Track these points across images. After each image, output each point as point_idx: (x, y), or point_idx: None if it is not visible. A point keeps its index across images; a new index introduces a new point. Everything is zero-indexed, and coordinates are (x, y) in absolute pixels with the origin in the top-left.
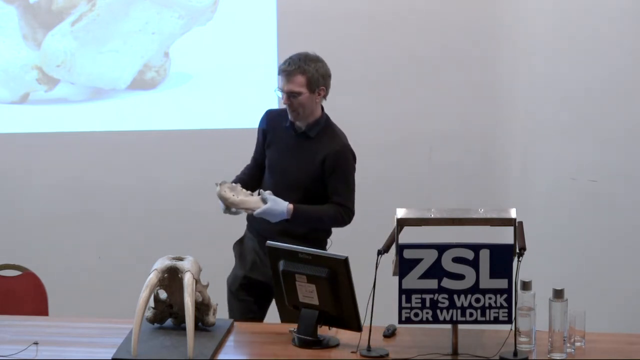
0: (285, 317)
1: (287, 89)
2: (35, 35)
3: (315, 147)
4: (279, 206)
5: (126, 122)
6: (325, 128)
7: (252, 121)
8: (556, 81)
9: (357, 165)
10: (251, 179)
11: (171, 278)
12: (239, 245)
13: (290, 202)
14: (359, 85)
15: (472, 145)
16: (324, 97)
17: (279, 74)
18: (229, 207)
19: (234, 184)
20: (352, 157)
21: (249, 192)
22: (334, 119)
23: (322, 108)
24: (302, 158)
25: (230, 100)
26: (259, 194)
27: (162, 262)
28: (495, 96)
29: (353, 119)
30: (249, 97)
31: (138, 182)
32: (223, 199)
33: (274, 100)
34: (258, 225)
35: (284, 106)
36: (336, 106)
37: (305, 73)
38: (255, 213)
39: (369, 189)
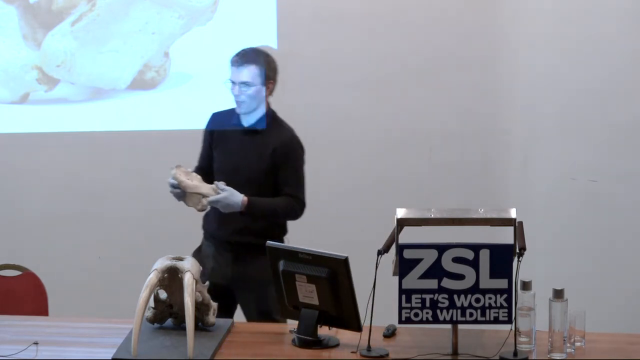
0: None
1: (239, 80)
2: (35, 35)
3: (264, 140)
4: (234, 197)
5: (126, 122)
6: (273, 121)
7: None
8: (556, 81)
9: (358, 165)
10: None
11: (171, 278)
12: (197, 254)
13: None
14: (358, 85)
15: (472, 145)
16: (272, 92)
17: (231, 65)
18: (182, 195)
19: (189, 170)
20: (301, 149)
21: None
22: (334, 118)
23: (269, 103)
24: (253, 153)
25: (230, 100)
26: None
27: (162, 262)
28: (495, 96)
29: (353, 119)
30: None
31: (138, 182)
32: (178, 181)
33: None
34: (213, 231)
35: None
36: (336, 105)
37: (257, 65)
38: (209, 200)
39: (369, 189)
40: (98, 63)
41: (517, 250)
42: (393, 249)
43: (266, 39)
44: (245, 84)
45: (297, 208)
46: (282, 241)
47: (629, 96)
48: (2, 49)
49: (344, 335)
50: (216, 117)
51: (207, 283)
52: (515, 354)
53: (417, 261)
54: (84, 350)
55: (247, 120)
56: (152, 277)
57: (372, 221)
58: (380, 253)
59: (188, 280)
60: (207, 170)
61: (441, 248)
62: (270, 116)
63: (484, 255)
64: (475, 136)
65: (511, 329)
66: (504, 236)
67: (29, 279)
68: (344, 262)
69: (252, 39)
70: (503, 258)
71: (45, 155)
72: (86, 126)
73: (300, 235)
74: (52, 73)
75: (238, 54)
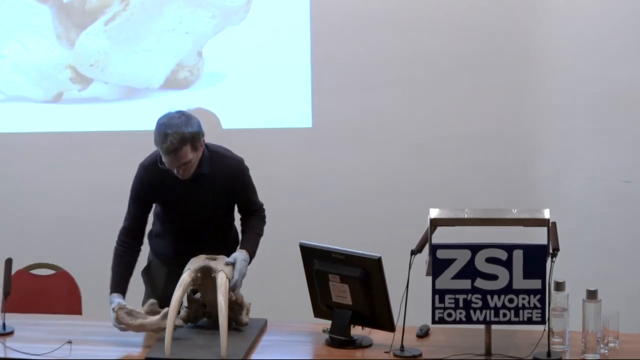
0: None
1: (178, 164)
2: (69, 34)
3: (213, 179)
4: (244, 263)
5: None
6: (211, 157)
7: (285, 121)
8: (589, 81)
9: (392, 165)
10: (131, 266)
11: (204, 277)
12: (147, 272)
13: (200, 238)
14: (392, 86)
15: (506, 145)
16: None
17: (163, 153)
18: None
19: (130, 308)
20: (244, 163)
21: (143, 311)
22: (367, 119)
23: None
24: (206, 194)
25: (263, 99)
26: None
27: (196, 262)
28: (529, 97)
29: (386, 120)
30: (282, 96)
31: None
32: (124, 324)
33: (307, 101)
34: (168, 257)
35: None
36: (370, 107)
37: (188, 141)
38: (233, 287)
39: (402, 189)
40: (131, 62)
41: (551, 251)
42: (426, 249)
43: (299, 38)
44: (185, 164)
45: (264, 218)
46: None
47: None
48: (36, 48)
49: (377, 335)
50: (148, 171)
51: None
52: (548, 354)
53: (450, 261)
54: (117, 349)
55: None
56: (186, 277)
57: (406, 221)
58: (413, 253)
59: (221, 279)
60: (140, 231)
61: (474, 248)
62: (208, 155)
63: (518, 255)
64: (508, 137)
65: (544, 330)
66: (537, 237)
67: (62, 278)
68: (377, 262)
69: (285, 39)
70: (536, 258)
71: (79, 154)
72: (119, 125)
73: (333, 235)
74: (86, 72)
75: (164, 142)
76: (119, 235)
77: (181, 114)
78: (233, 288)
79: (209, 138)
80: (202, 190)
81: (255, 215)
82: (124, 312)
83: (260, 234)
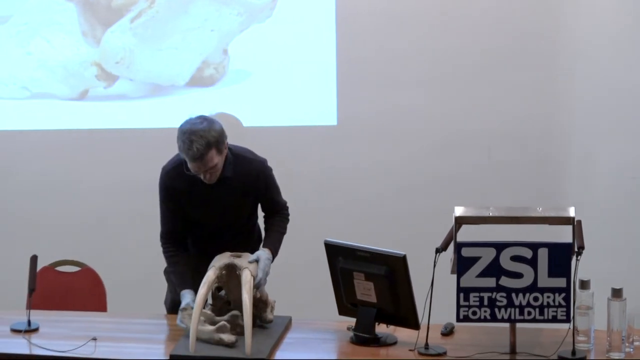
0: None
1: (204, 169)
2: (95, 32)
3: (237, 182)
4: (266, 261)
5: (184, 119)
6: (235, 160)
7: (311, 118)
8: (615, 79)
9: (417, 163)
10: (187, 262)
11: (229, 275)
12: (168, 272)
13: (223, 240)
14: (417, 84)
15: (531, 143)
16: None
17: (189, 159)
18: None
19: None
20: (267, 164)
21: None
22: (392, 116)
23: None
24: (230, 197)
25: (289, 97)
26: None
27: (220, 259)
28: (555, 95)
29: (411, 117)
30: (307, 94)
31: None
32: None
33: (332, 98)
34: (198, 253)
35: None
36: (395, 104)
37: (213, 146)
38: (257, 285)
39: (427, 187)
40: (157, 60)
41: (576, 249)
42: (451, 247)
43: (325, 36)
44: (211, 168)
45: (287, 216)
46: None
47: None
48: (62, 45)
49: (402, 333)
50: (172, 175)
51: (265, 280)
52: (573, 353)
53: (475, 259)
54: (141, 346)
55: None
56: (210, 274)
57: (430, 219)
58: (438, 251)
59: (246, 277)
60: (179, 234)
61: (499, 246)
62: (231, 158)
63: (543, 253)
64: (534, 134)
65: (569, 328)
66: (563, 235)
67: (87, 275)
68: (402, 260)
69: (311, 36)
70: (562, 257)
71: (104, 151)
72: (144, 123)
73: (358, 232)
74: (111, 69)
75: (189, 148)
76: (160, 240)
77: (203, 119)
78: (257, 286)
79: (232, 139)
80: (225, 193)
81: (279, 214)
82: (186, 314)
83: (283, 232)
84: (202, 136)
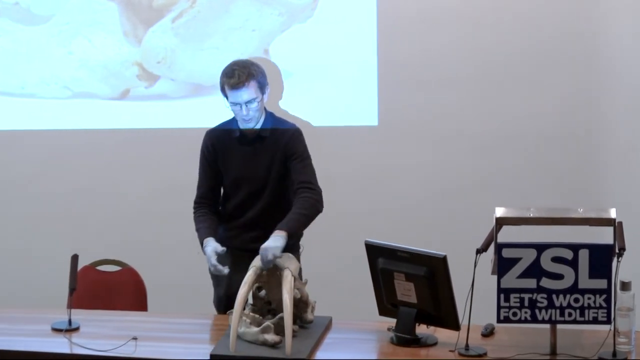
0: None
1: (245, 99)
2: (136, 31)
3: (273, 142)
4: (275, 244)
5: (226, 119)
6: (274, 121)
7: (351, 119)
8: None
9: (457, 164)
10: (215, 220)
11: (270, 275)
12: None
13: (256, 207)
14: (458, 84)
15: (572, 144)
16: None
17: (230, 88)
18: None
19: (247, 313)
20: (300, 131)
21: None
22: (432, 117)
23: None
24: (266, 159)
25: (329, 97)
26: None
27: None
28: (596, 95)
29: (452, 118)
30: (348, 94)
31: None
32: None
33: (373, 98)
34: (230, 241)
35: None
36: (436, 105)
37: (255, 78)
38: (265, 266)
39: (468, 188)
40: (198, 60)
41: (617, 251)
42: (492, 248)
43: (366, 36)
44: (251, 101)
45: (315, 200)
46: (298, 242)
47: None
48: (103, 45)
49: (442, 334)
50: (213, 136)
51: (306, 280)
52: (614, 354)
53: (516, 260)
54: (182, 346)
55: (252, 131)
56: (251, 274)
57: (471, 220)
58: (479, 252)
59: (287, 277)
60: (213, 198)
61: (540, 247)
62: (270, 118)
63: (584, 255)
64: (574, 135)
65: (610, 330)
66: (603, 236)
67: (128, 275)
68: (443, 261)
69: (352, 37)
70: (602, 258)
71: (145, 151)
72: (185, 122)
73: (399, 233)
74: (153, 69)
75: (232, 77)
76: (194, 205)
77: (251, 60)
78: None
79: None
80: (261, 151)
81: (304, 192)
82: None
83: (302, 212)
84: (244, 66)
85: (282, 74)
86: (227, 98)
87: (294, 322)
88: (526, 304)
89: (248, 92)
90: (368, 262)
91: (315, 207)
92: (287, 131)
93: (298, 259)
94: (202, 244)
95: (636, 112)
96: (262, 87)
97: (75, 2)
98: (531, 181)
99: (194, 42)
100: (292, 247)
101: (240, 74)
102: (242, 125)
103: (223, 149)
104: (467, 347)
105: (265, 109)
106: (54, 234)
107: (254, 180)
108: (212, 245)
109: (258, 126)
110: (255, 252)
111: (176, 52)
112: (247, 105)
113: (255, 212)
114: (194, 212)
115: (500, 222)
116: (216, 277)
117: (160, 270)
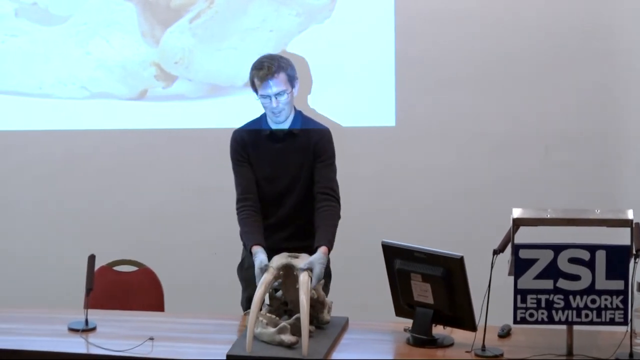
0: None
1: (274, 91)
2: (154, 32)
3: (304, 141)
4: (321, 266)
5: (243, 119)
6: (304, 120)
7: (369, 119)
8: None
9: (474, 164)
10: (260, 221)
11: (286, 275)
12: (241, 269)
13: (286, 206)
14: (475, 84)
15: (589, 144)
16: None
17: (258, 80)
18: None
19: (264, 314)
20: (330, 133)
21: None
22: (450, 116)
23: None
24: (297, 157)
25: (347, 98)
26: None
27: (279, 260)
28: (612, 95)
29: (469, 119)
30: (366, 95)
31: None
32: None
33: (391, 99)
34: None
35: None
36: (453, 105)
37: (285, 70)
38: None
39: (485, 189)
40: (216, 60)
41: (634, 252)
42: (509, 249)
43: (384, 37)
44: (280, 93)
45: (339, 210)
46: None
47: None
48: (121, 45)
49: (459, 335)
50: (242, 136)
51: (323, 280)
52: (631, 355)
53: (532, 261)
54: (198, 346)
55: (281, 127)
56: (268, 275)
57: (488, 220)
58: (495, 253)
59: (303, 278)
60: (254, 195)
61: (557, 248)
62: (300, 116)
63: (600, 256)
64: (591, 136)
65: (627, 331)
66: (621, 237)
67: (145, 275)
68: (460, 261)
69: (370, 37)
70: (619, 259)
71: (162, 151)
72: (203, 123)
73: (416, 234)
74: (170, 70)
75: (261, 69)
76: (236, 205)
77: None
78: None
79: None
80: (290, 149)
81: (328, 201)
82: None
83: (335, 224)
84: (273, 58)
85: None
86: (256, 92)
87: (311, 323)
88: (543, 305)
89: (277, 84)
90: (385, 263)
91: (339, 217)
92: (319, 131)
93: (329, 264)
94: (249, 249)
95: None
96: (291, 80)
97: (93, 2)
98: (548, 182)
99: (211, 43)
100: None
101: (269, 66)
102: (273, 124)
103: (253, 146)
104: (483, 347)
105: (294, 107)
106: (71, 234)
107: (285, 177)
108: (260, 259)
109: (287, 125)
110: (283, 252)
111: (194, 53)
112: (276, 98)
113: (285, 210)
114: (238, 214)
115: (518, 222)
116: (245, 280)
117: (177, 271)
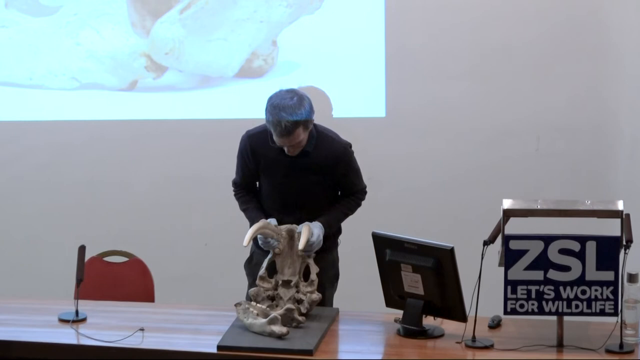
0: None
1: (291, 144)
2: (144, 22)
3: (316, 158)
4: (318, 235)
5: (233, 110)
6: (318, 137)
7: (359, 110)
8: None
9: (465, 155)
10: (254, 197)
11: (287, 245)
12: (249, 265)
13: (296, 216)
14: (466, 75)
15: (580, 135)
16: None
17: (276, 135)
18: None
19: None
20: (350, 148)
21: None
22: (440, 108)
23: None
24: (308, 174)
25: (337, 89)
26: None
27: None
28: (604, 87)
29: (460, 109)
30: (356, 86)
31: None
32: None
33: (381, 90)
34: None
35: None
36: (444, 96)
37: (301, 124)
38: (303, 250)
39: (475, 179)
40: (206, 51)
41: (624, 243)
42: (499, 240)
43: (374, 27)
44: (297, 143)
45: (361, 199)
46: (337, 240)
47: None
48: (111, 36)
49: (449, 326)
50: (254, 140)
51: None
52: (621, 346)
53: (523, 252)
54: (189, 337)
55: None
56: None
57: (478, 211)
58: (486, 243)
59: (305, 230)
60: (251, 187)
61: (547, 239)
62: (315, 134)
63: (591, 247)
64: (582, 127)
65: (617, 322)
66: (611, 228)
67: (135, 265)
68: (450, 252)
69: (360, 28)
70: (610, 250)
71: (152, 142)
72: (193, 114)
73: (406, 224)
74: (161, 60)
75: (277, 126)
76: (233, 186)
77: (293, 93)
78: (307, 250)
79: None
80: (302, 166)
81: (353, 195)
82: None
83: (345, 212)
84: (291, 113)
85: (290, 66)
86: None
87: (294, 319)
88: (533, 295)
89: (295, 138)
90: (375, 254)
91: (356, 205)
92: (332, 150)
93: (337, 253)
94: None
95: None
96: (308, 127)
97: None
98: (539, 173)
99: (202, 34)
100: (332, 243)
101: (287, 124)
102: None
103: (265, 155)
104: (474, 338)
105: (313, 127)
106: (61, 225)
107: (293, 193)
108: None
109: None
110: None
111: (184, 44)
112: (293, 145)
113: (291, 220)
114: (235, 194)
115: (508, 213)
116: (253, 275)
117: (168, 262)
